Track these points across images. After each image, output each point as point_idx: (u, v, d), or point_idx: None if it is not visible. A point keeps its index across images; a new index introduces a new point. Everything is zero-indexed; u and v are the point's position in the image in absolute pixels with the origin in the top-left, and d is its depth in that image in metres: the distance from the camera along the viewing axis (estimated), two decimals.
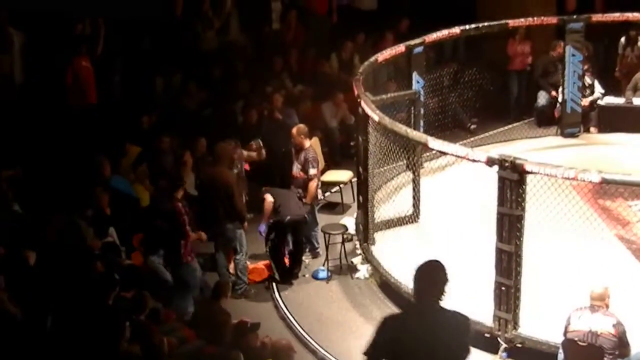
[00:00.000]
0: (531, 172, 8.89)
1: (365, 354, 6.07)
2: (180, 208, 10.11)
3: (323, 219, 12.53)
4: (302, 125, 11.83)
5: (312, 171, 11.45)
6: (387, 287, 10.83)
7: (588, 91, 14.91)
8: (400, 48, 13.15)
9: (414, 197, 11.90)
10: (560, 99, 14.91)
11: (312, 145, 11.98)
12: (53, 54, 13.71)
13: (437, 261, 6.13)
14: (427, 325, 5.91)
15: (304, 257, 11.85)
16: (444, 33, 13.78)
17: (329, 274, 11.48)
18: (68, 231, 10.27)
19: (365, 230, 11.46)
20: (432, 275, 6.06)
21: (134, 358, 8.12)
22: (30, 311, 8.77)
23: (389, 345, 5.98)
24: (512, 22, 14.56)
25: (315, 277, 11.52)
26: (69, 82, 13.43)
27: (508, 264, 9.17)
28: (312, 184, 11.51)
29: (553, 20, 14.83)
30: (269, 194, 11.28)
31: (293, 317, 10.62)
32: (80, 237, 10.23)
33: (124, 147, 12.46)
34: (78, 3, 13.94)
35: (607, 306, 8.32)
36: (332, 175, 13.66)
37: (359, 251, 11.78)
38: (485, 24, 14.22)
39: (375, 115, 10.70)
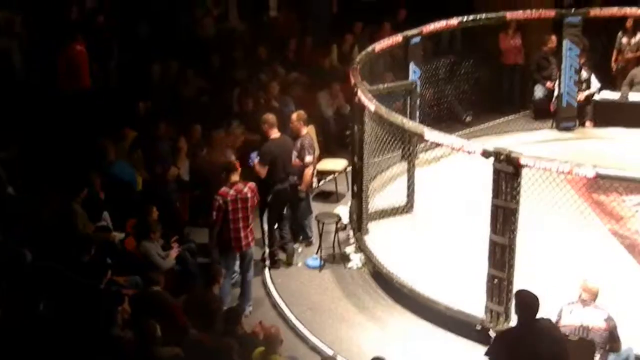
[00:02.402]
0: (526, 166, 8.90)
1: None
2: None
3: (317, 207, 12.53)
4: (302, 112, 11.79)
5: (308, 158, 11.43)
6: (380, 276, 10.85)
7: (584, 85, 14.93)
8: (398, 38, 13.14)
9: (408, 188, 11.90)
10: (556, 93, 14.91)
11: (309, 133, 11.95)
12: (49, 37, 13.69)
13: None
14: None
15: (296, 245, 11.86)
16: (441, 24, 13.77)
17: (322, 262, 11.48)
18: (62, 214, 10.26)
19: (359, 219, 11.47)
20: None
21: (126, 343, 8.13)
22: (23, 295, 8.77)
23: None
24: (509, 15, 14.57)
25: (308, 265, 11.53)
26: (61, 66, 13.39)
27: (501, 256, 9.18)
28: (308, 171, 11.50)
29: (551, 13, 14.84)
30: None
31: (285, 305, 10.62)
32: (74, 220, 10.21)
33: (122, 131, 12.41)
34: None
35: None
36: (327, 164, 13.66)
37: (352, 240, 11.79)
38: (483, 16, 14.22)
39: (371, 105, 10.70)
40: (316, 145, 13.35)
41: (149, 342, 8.04)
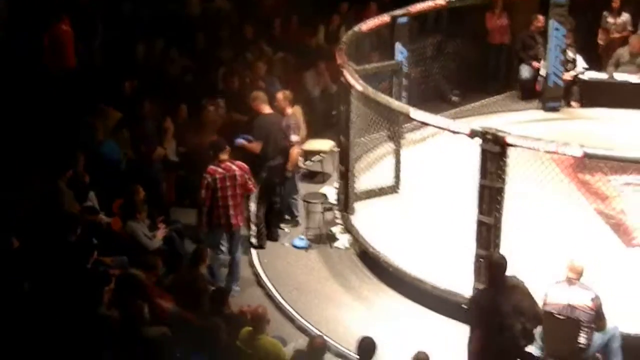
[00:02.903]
0: (512, 145, 8.90)
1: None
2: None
3: (303, 187, 12.50)
4: (287, 91, 11.77)
5: (294, 137, 11.41)
6: (366, 256, 10.87)
7: (570, 65, 14.92)
8: (385, 18, 13.10)
9: (395, 168, 11.90)
10: (542, 72, 14.91)
11: (295, 113, 11.93)
12: (34, 16, 13.60)
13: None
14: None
15: (283, 225, 11.85)
16: (428, 4, 13.72)
17: (309, 243, 11.49)
18: (47, 194, 10.21)
19: (346, 199, 11.47)
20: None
21: (112, 322, 8.12)
22: (8, 275, 8.74)
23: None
24: None
25: (294, 245, 11.53)
26: (46, 45, 13.32)
27: (487, 235, 9.20)
28: (294, 151, 11.47)
29: None
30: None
31: (272, 285, 10.63)
32: (60, 200, 10.16)
33: (105, 110, 12.33)
34: None
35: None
36: (313, 144, 13.62)
37: (338, 221, 11.79)
38: None
39: (358, 85, 10.68)
40: (303, 125, 13.32)
41: (136, 322, 8.04)
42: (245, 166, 10.43)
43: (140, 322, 8.07)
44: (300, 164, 12.14)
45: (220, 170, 10.19)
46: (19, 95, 12.48)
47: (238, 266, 10.61)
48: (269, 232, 11.56)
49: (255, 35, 15.36)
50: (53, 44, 13.29)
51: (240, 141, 11.28)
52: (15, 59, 13.13)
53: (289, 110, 11.53)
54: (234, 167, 10.27)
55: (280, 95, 11.58)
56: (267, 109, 11.33)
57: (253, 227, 11.49)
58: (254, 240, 11.47)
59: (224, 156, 10.29)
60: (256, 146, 11.17)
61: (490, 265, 8.28)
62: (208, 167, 10.25)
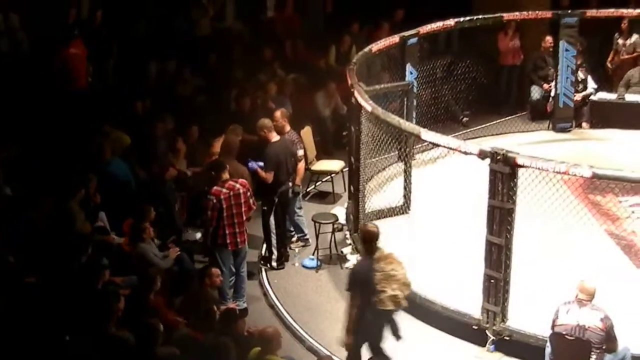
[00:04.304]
0: (523, 166, 8.91)
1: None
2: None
3: (314, 208, 12.55)
4: (284, 110, 11.88)
5: (300, 152, 11.49)
6: None
7: (581, 86, 14.94)
8: (395, 39, 13.14)
9: (405, 188, 11.92)
10: (552, 93, 14.93)
11: (304, 134, 11.96)
12: (47, 38, 13.71)
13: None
14: None
15: (293, 246, 11.86)
16: (438, 25, 13.77)
17: (319, 263, 11.49)
18: (58, 215, 10.25)
19: (356, 220, 11.47)
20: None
21: (123, 342, 8.13)
22: (19, 294, 8.77)
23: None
24: (506, 16, 14.59)
25: (304, 266, 11.53)
26: (57, 69, 13.42)
27: (498, 256, 9.19)
28: (301, 165, 11.54)
29: (548, 14, 14.87)
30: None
31: (282, 306, 10.63)
32: (71, 221, 10.20)
33: (111, 131, 12.36)
34: None
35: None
36: (324, 165, 13.65)
37: (349, 241, 11.79)
38: (480, 16, 14.24)
39: (368, 105, 10.70)
40: (313, 146, 13.37)
41: (151, 341, 8.05)
42: (247, 183, 10.48)
43: (155, 342, 8.08)
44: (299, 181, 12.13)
45: (224, 190, 10.22)
46: (32, 115, 12.56)
47: (244, 282, 10.62)
48: (279, 252, 11.58)
49: (272, 56, 15.44)
50: (63, 68, 13.38)
51: (255, 167, 11.30)
52: (29, 79, 13.23)
53: (287, 128, 11.59)
54: (237, 185, 10.31)
55: (278, 113, 11.63)
56: (274, 137, 11.35)
57: (275, 252, 11.50)
58: (274, 264, 11.48)
59: (226, 175, 10.33)
60: (269, 176, 11.17)
61: (364, 235, 8.81)
62: (212, 188, 10.29)
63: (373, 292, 8.56)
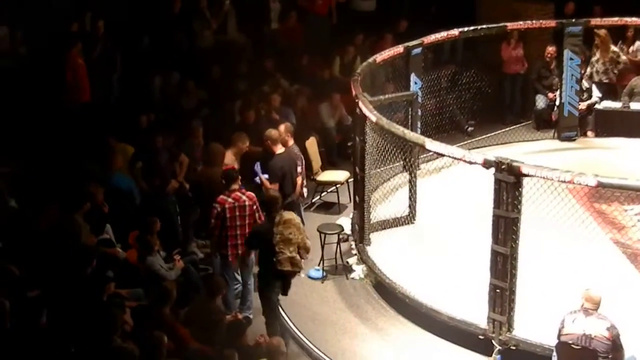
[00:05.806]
0: (528, 175, 8.91)
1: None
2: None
3: (319, 218, 12.56)
4: (289, 124, 11.92)
5: (299, 168, 11.53)
6: (382, 287, 10.84)
7: (585, 95, 14.94)
8: (399, 49, 13.16)
9: (410, 198, 11.91)
10: (557, 102, 14.93)
11: (309, 145, 11.96)
12: (48, 49, 13.74)
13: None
14: None
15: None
16: (442, 35, 13.79)
17: (324, 273, 11.48)
18: (63, 227, 10.26)
19: (361, 230, 11.47)
20: None
21: (128, 354, 8.12)
22: (25, 306, 8.77)
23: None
24: (510, 25, 14.60)
25: (310, 276, 11.52)
26: (69, 79, 13.43)
27: (503, 266, 9.18)
28: (298, 180, 11.57)
29: (552, 23, 14.88)
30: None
31: (287, 316, 10.61)
32: (76, 233, 10.21)
33: (114, 144, 12.37)
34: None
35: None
36: (329, 176, 13.66)
37: (354, 251, 11.78)
38: (484, 26, 14.26)
39: (372, 115, 10.71)
40: (318, 156, 13.38)
41: (157, 353, 8.04)
42: (254, 196, 10.49)
43: (160, 355, 8.07)
44: (304, 193, 12.12)
45: (229, 200, 10.24)
46: (38, 129, 12.59)
47: (250, 293, 10.62)
48: None
49: (275, 68, 15.46)
50: (73, 78, 13.41)
51: (261, 177, 11.30)
52: (35, 91, 13.26)
53: (290, 142, 11.62)
54: (243, 197, 10.32)
55: (282, 128, 11.70)
56: (279, 148, 11.39)
57: None
58: None
59: (235, 186, 10.35)
60: (274, 187, 11.18)
61: (267, 200, 9.90)
62: (218, 196, 10.31)
63: (272, 252, 9.51)
